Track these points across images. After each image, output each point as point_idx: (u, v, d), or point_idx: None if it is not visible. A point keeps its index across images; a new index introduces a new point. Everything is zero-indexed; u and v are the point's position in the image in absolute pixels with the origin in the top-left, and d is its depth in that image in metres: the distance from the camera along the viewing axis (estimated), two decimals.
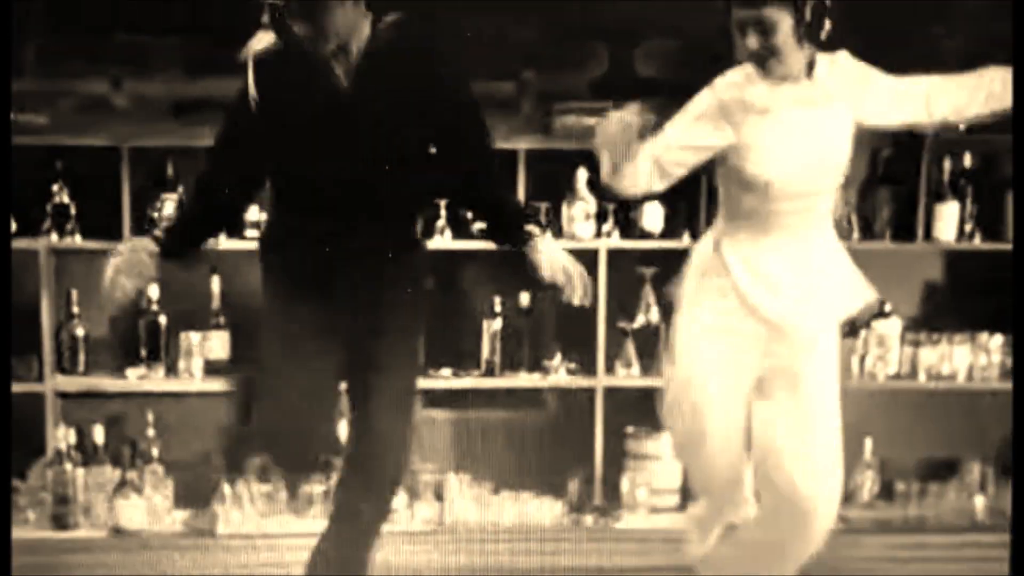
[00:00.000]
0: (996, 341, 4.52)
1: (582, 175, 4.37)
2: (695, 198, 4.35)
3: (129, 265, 2.96)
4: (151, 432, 4.30)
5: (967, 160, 4.50)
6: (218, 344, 4.40)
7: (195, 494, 4.38)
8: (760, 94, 3.00)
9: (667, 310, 3.37)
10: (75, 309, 4.35)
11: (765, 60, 2.95)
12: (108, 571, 4.08)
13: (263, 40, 2.90)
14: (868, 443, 4.52)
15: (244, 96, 2.91)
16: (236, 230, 4.30)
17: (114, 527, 4.20)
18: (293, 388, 3.02)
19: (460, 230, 4.39)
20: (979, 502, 4.48)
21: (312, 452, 3.33)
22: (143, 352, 4.37)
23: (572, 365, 4.50)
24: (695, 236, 4.05)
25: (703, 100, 3.06)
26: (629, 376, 4.48)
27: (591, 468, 4.44)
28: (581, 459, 4.48)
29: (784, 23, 2.91)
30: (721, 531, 3.34)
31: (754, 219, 3.08)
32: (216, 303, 4.41)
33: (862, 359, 4.52)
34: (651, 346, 4.43)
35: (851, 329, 4.50)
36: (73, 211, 4.28)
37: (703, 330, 3.13)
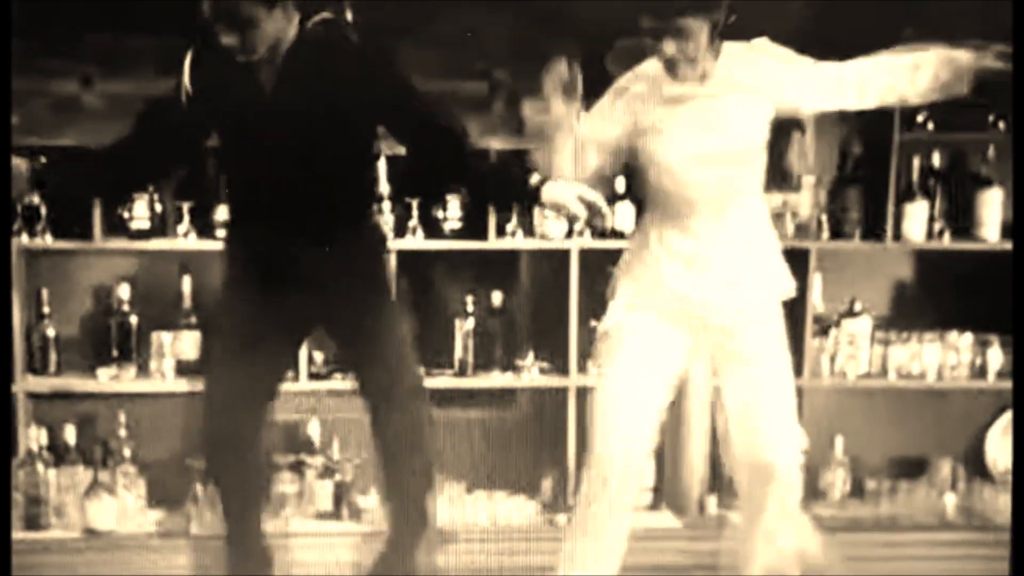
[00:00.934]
0: (966, 340, 4.54)
1: None
2: None
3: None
4: (123, 432, 4.27)
5: (936, 159, 4.52)
6: (189, 344, 4.38)
7: (168, 494, 4.38)
8: (670, 86, 3.06)
9: None
10: (46, 309, 4.33)
11: (678, 65, 3.00)
12: (81, 572, 4.07)
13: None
14: (839, 442, 4.54)
15: (178, 86, 2.96)
16: (206, 230, 4.32)
17: (86, 528, 4.18)
18: (229, 392, 3.06)
19: (432, 230, 4.40)
20: (949, 500, 4.50)
21: (248, 462, 3.26)
22: (114, 352, 4.36)
23: (545, 365, 4.50)
24: None
25: (620, 84, 3.13)
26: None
27: (564, 468, 4.43)
28: (554, 459, 4.48)
29: (702, 32, 2.95)
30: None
31: (671, 204, 3.13)
32: (187, 303, 4.40)
33: (832, 358, 4.53)
34: None
35: (822, 328, 4.52)
36: (43, 211, 4.26)
37: (628, 308, 3.20)
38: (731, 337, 3.18)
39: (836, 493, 4.55)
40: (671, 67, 3.00)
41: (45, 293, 4.32)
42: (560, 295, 4.40)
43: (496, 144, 4.34)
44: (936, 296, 4.69)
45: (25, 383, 4.28)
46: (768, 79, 3.08)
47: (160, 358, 4.36)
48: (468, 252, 4.40)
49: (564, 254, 4.38)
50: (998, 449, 4.66)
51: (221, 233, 4.26)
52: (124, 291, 4.36)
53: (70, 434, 4.26)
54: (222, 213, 4.28)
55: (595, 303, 4.45)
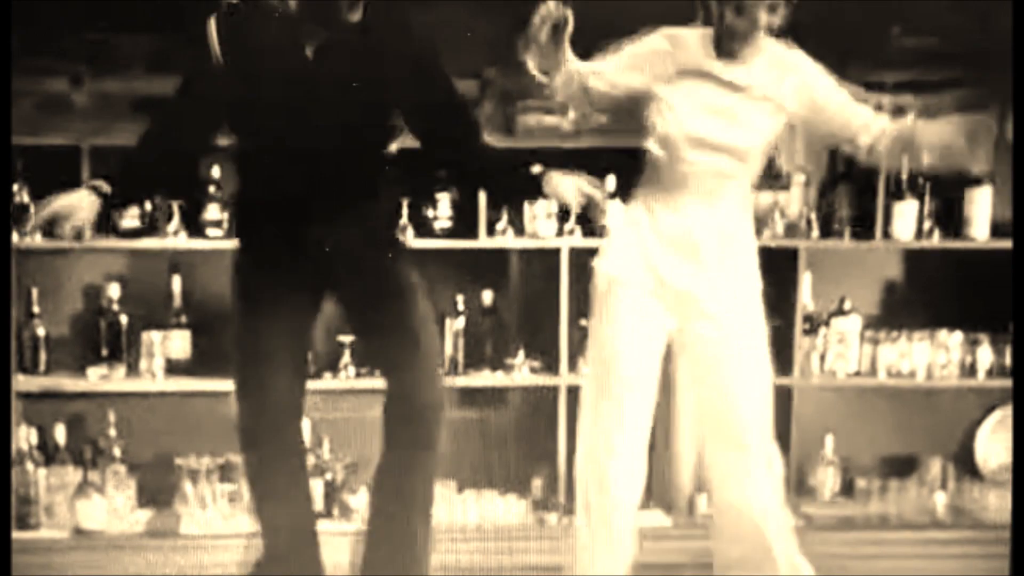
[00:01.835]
0: (955, 339, 4.54)
1: None
2: None
3: (69, 208, 2.88)
4: (113, 432, 4.28)
5: (925, 158, 4.51)
6: (179, 343, 4.39)
7: (158, 494, 4.38)
8: (696, 58, 3.08)
9: None
10: (35, 309, 4.33)
11: (732, 37, 3.01)
12: (70, 571, 4.07)
13: None
14: (829, 440, 4.55)
15: (206, 53, 2.90)
16: (198, 230, 4.31)
17: (76, 527, 4.18)
18: (270, 388, 3.04)
19: (422, 228, 4.40)
20: (939, 499, 4.51)
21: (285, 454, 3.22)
22: (104, 352, 4.35)
23: (535, 363, 4.50)
24: None
25: (645, 43, 3.14)
26: None
27: (555, 466, 4.43)
28: (545, 457, 4.48)
29: (760, 16, 2.97)
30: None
31: (663, 176, 3.15)
32: (177, 302, 4.40)
33: (822, 357, 4.53)
34: None
35: (811, 327, 4.53)
36: (33, 210, 4.25)
37: (611, 286, 3.24)
38: (712, 326, 3.20)
39: (826, 492, 4.55)
40: (726, 37, 3.02)
41: (35, 292, 4.32)
42: (550, 294, 4.40)
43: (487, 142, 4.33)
44: (926, 295, 4.69)
45: (15, 382, 4.27)
46: (793, 93, 3.10)
47: (150, 358, 4.35)
48: (458, 251, 4.40)
49: (554, 253, 4.38)
50: (988, 448, 4.67)
51: (212, 232, 4.27)
52: (114, 290, 4.35)
53: (60, 434, 4.27)
54: (213, 213, 4.28)
55: (585, 302, 4.48)
